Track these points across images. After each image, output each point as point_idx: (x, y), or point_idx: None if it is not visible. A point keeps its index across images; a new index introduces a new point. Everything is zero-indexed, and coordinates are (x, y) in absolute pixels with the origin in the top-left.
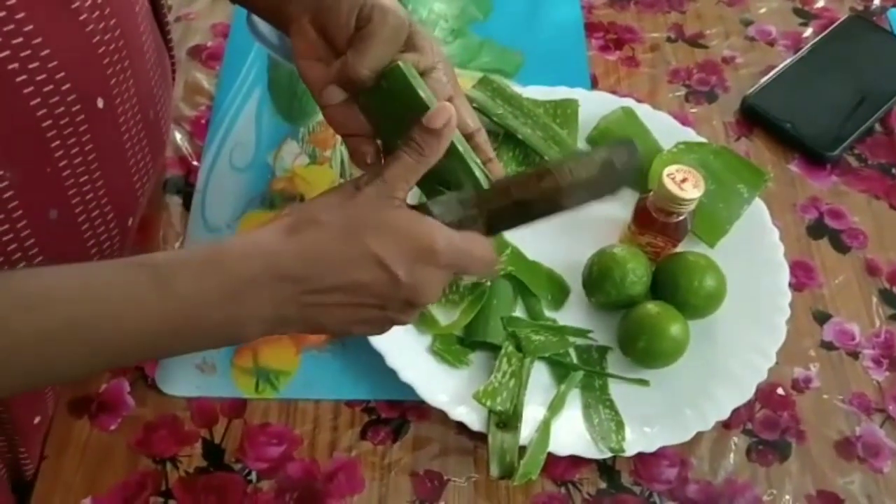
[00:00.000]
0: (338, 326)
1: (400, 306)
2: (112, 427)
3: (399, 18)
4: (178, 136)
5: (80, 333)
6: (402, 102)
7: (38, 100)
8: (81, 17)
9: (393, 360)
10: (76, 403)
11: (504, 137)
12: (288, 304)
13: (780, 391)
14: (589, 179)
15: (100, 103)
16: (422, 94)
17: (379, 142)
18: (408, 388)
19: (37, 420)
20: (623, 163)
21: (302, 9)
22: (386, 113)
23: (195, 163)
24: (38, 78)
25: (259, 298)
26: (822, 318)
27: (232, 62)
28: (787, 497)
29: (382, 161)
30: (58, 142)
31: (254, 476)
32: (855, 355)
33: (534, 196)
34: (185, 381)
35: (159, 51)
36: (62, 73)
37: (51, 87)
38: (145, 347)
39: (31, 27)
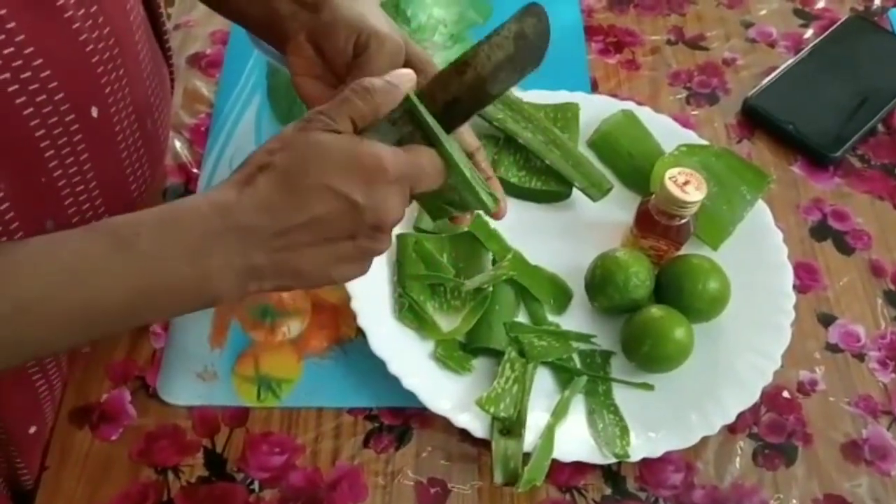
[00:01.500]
0: (315, 270)
1: (368, 231)
2: (113, 437)
3: (396, 44)
4: (177, 143)
5: (51, 305)
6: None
7: (31, 109)
8: (74, 26)
9: (395, 367)
10: (77, 413)
11: (504, 142)
12: (256, 251)
13: (785, 394)
14: (507, 58)
15: (94, 112)
16: (435, 130)
17: None
18: (410, 396)
19: (32, 430)
20: (535, 31)
21: (298, 26)
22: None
23: (195, 171)
24: (31, 87)
25: (224, 249)
26: (826, 320)
27: (231, 69)
28: (794, 501)
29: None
30: (52, 151)
31: (256, 485)
32: (860, 357)
33: (460, 92)
34: (186, 389)
35: (156, 59)
36: (55, 83)
37: (43, 96)
38: (119, 313)
39: (22, 37)
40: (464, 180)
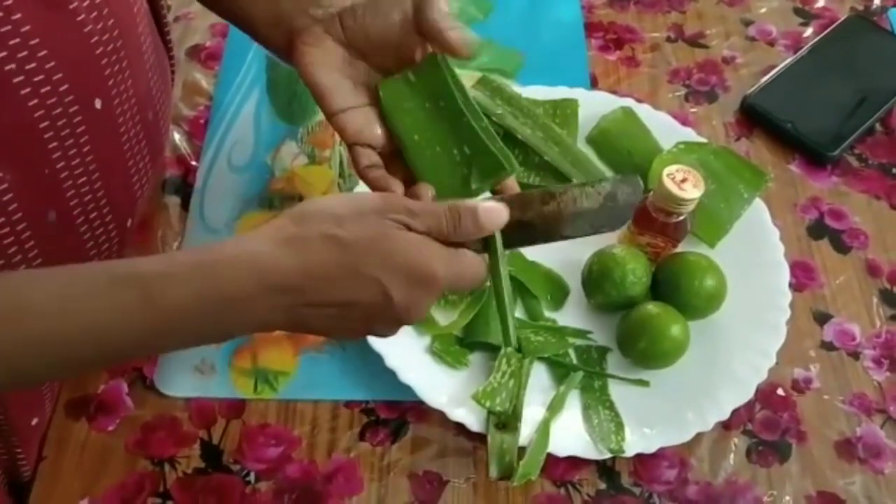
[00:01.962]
0: (321, 330)
1: (387, 322)
2: (110, 428)
3: None
4: (176, 136)
5: (56, 346)
6: (435, 94)
7: (36, 101)
8: (79, 18)
9: (392, 360)
10: (74, 404)
11: (504, 138)
12: (280, 314)
13: (780, 392)
14: (591, 210)
15: (97, 104)
16: (456, 92)
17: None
18: (407, 389)
19: (34, 421)
20: (626, 198)
21: (310, 22)
22: (412, 108)
23: (194, 163)
24: (36, 79)
25: (251, 311)
26: (822, 318)
27: (231, 62)
28: (788, 498)
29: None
30: (55, 143)
31: (252, 477)
32: (855, 356)
33: (534, 219)
34: (183, 381)
35: (158, 52)
36: (60, 75)
37: (48, 88)
38: (130, 352)
39: (28, 28)
40: (500, 301)
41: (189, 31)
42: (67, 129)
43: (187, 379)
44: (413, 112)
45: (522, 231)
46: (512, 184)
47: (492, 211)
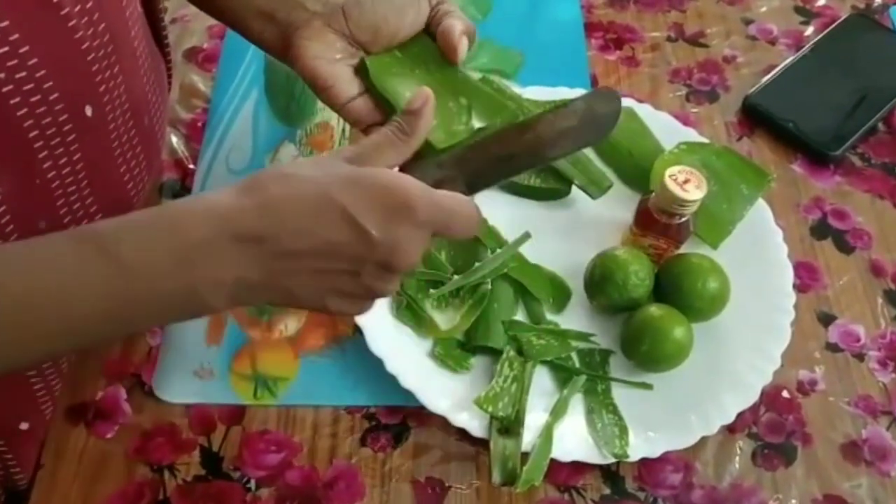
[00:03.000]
0: (310, 297)
1: (375, 270)
2: (109, 435)
3: None
4: (174, 139)
5: (27, 314)
6: (424, 61)
7: (26, 110)
8: (70, 24)
9: (393, 365)
10: (73, 411)
11: None
12: (251, 269)
13: (785, 394)
14: (571, 128)
15: (88, 111)
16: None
17: None
18: (408, 394)
19: (24, 426)
20: (604, 109)
21: (309, 16)
22: (402, 73)
23: (191, 166)
24: (26, 87)
25: (216, 262)
26: (826, 319)
27: (228, 64)
28: (794, 501)
29: None
30: (45, 152)
31: (252, 484)
32: (860, 357)
33: (515, 150)
34: (182, 387)
35: (153, 55)
36: (50, 83)
37: (38, 96)
38: (100, 323)
39: (17, 36)
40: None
41: (186, 34)
42: (57, 139)
43: (186, 384)
44: (403, 76)
45: (506, 164)
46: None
47: (419, 93)
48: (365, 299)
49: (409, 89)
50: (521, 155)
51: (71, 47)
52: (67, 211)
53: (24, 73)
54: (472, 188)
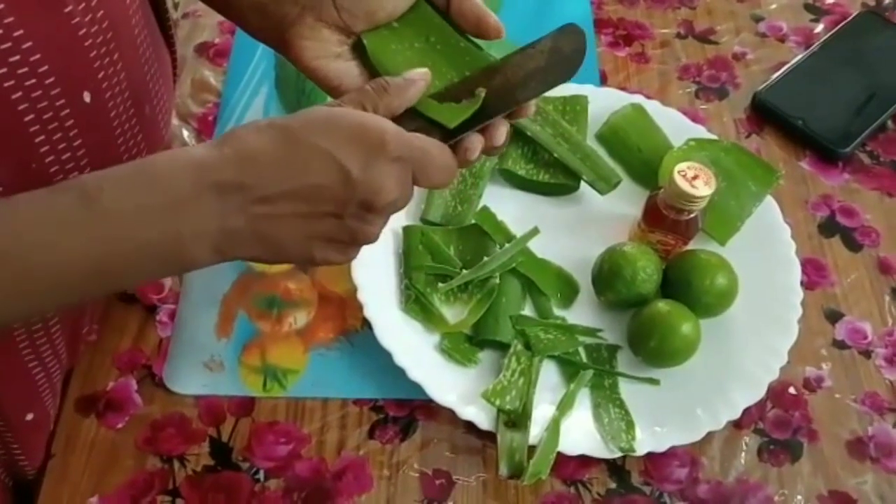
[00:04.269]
0: (296, 246)
1: (357, 210)
2: (119, 425)
3: None
4: (185, 133)
5: (11, 265)
6: (424, 33)
7: (20, 93)
8: (67, 10)
9: (401, 358)
10: (83, 402)
11: (512, 134)
12: (233, 216)
13: (791, 390)
14: (539, 69)
15: (87, 97)
16: (446, 25)
17: None
18: (416, 387)
19: (29, 416)
20: (571, 46)
21: (299, 10)
22: (401, 48)
23: None
24: (20, 71)
25: (197, 211)
26: (834, 316)
27: (239, 59)
28: (799, 497)
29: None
30: (42, 137)
31: (261, 475)
32: (867, 354)
33: (486, 95)
34: (192, 379)
35: (156, 45)
36: (45, 67)
37: (33, 80)
38: (83, 275)
39: (11, 19)
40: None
41: (197, 29)
42: (55, 123)
43: (196, 376)
44: (402, 52)
45: (478, 110)
46: (529, 108)
47: (413, 72)
48: (350, 245)
49: (411, 64)
50: (492, 99)
51: (68, 33)
52: None
53: (17, 57)
54: (446, 137)
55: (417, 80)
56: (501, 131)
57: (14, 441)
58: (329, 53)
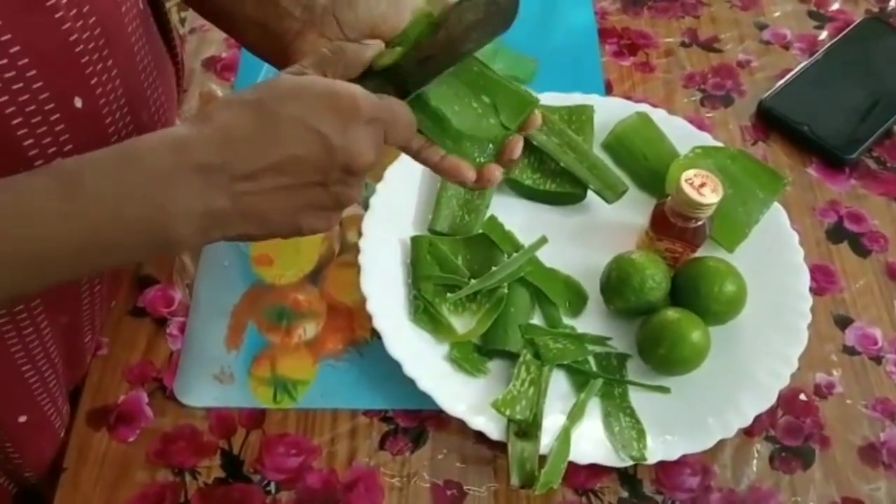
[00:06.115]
0: (282, 218)
1: (340, 176)
2: (131, 438)
3: None
4: None
5: None
6: None
7: (7, 97)
8: (57, 15)
9: (411, 369)
10: (94, 415)
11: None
12: (216, 195)
13: (802, 397)
14: (478, 21)
15: (78, 103)
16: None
17: None
18: (426, 398)
19: (22, 419)
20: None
21: (300, 25)
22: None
23: None
24: (7, 75)
25: (181, 191)
26: (843, 322)
27: (246, 73)
28: None
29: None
30: (31, 140)
31: (273, 487)
32: (878, 360)
33: (432, 51)
34: (203, 391)
35: (157, 53)
36: (33, 72)
37: (20, 84)
38: (68, 256)
39: None
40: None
41: (205, 43)
42: (44, 128)
43: (207, 388)
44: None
45: (425, 65)
46: (536, 118)
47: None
48: (334, 210)
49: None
50: (438, 54)
51: (58, 39)
52: None
53: (5, 61)
54: (401, 96)
55: (372, 43)
56: (517, 145)
57: (7, 440)
58: (326, 65)
